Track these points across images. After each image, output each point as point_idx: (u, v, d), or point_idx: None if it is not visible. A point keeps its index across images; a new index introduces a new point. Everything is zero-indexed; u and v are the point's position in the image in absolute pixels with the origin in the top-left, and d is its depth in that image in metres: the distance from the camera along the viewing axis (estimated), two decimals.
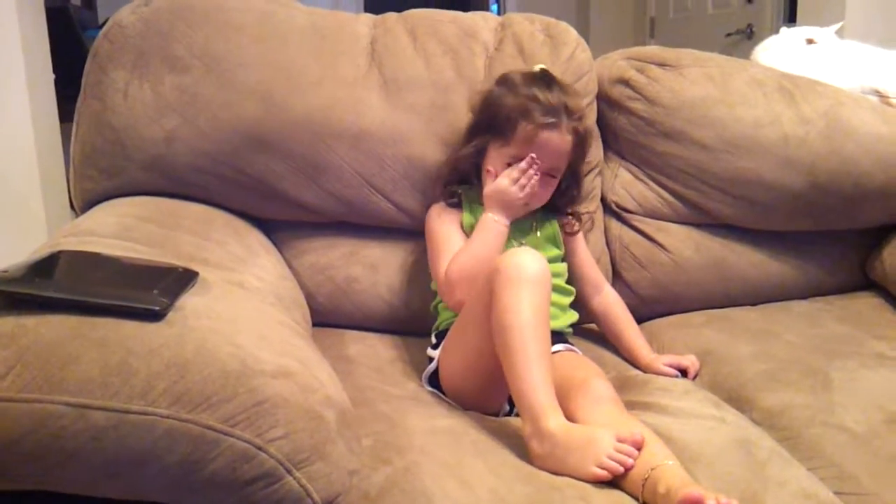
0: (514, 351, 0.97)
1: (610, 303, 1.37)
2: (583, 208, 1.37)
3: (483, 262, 1.13)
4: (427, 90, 1.35)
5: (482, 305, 1.04)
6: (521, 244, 1.25)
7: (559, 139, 1.21)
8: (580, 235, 1.36)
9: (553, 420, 0.92)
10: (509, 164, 1.20)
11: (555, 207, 1.31)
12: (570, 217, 1.33)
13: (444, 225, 1.26)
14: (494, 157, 1.23)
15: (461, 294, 1.15)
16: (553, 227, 1.32)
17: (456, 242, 1.23)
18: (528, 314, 0.99)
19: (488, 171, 1.23)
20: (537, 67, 1.28)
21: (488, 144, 1.24)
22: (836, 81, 1.65)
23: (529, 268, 1.02)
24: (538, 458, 0.92)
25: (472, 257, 1.18)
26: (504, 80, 1.26)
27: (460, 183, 1.30)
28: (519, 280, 1.00)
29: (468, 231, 1.25)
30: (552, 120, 1.19)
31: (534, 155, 1.18)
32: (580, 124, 1.24)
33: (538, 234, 1.30)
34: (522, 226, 1.27)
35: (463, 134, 1.31)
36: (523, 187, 1.18)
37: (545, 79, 1.25)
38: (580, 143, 1.26)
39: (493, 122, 1.23)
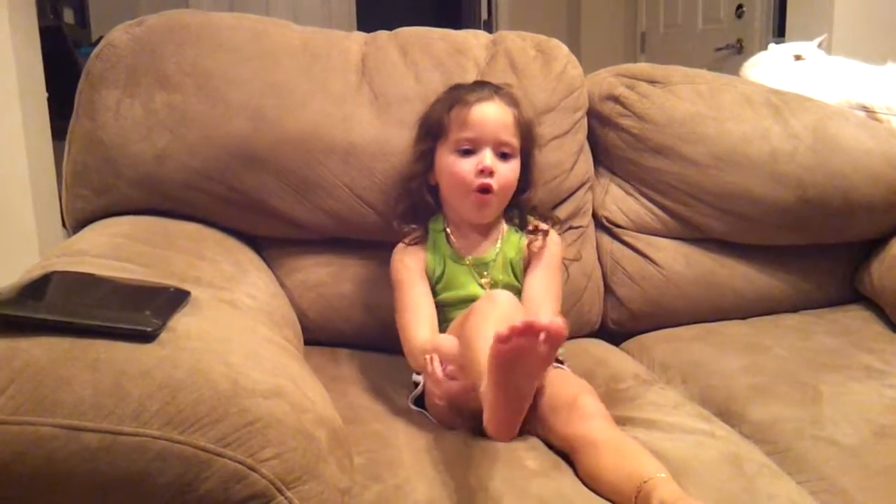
0: (473, 338, 0.95)
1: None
2: (575, 222, 1.36)
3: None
4: (417, 105, 1.36)
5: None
6: (483, 277, 1.22)
7: (496, 109, 1.19)
8: (542, 266, 1.23)
9: None
10: (457, 153, 1.18)
11: (518, 216, 1.26)
12: (534, 233, 1.25)
13: (406, 274, 1.22)
14: (442, 156, 1.21)
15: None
16: (516, 247, 1.24)
17: (420, 298, 1.20)
18: (490, 319, 0.97)
19: (441, 176, 1.21)
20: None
21: (433, 151, 1.22)
22: (823, 97, 1.67)
23: (501, 302, 1.02)
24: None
25: (434, 348, 1.09)
26: (434, 99, 1.28)
27: (418, 212, 1.26)
28: (488, 312, 0.99)
29: (432, 273, 1.22)
30: (482, 94, 1.19)
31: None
32: (517, 104, 1.22)
33: (500, 262, 1.23)
34: (484, 257, 1.23)
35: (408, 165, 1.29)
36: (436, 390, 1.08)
37: (475, 82, 1.28)
38: (523, 121, 1.22)
39: (428, 127, 1.24)
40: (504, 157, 1.19)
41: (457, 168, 1.18)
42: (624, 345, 1.49)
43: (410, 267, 1.23)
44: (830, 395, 1.18)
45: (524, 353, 0.79)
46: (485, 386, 0.85)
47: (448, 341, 1.07)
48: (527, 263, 1.24)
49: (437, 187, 1.25)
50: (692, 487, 0.91)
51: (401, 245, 1.25)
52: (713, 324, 1.52)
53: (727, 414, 1.17)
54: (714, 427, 1.08)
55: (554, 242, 1.26)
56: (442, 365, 1.05)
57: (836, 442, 1.06)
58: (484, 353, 0.85)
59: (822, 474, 1.01)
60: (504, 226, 1.26)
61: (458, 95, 1.21)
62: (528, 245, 1.24)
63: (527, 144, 1.24)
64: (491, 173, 1.17)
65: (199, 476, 0.69)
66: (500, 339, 0.79)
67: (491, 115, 1.18)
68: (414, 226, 1.25)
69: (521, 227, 1.26)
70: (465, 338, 0.98)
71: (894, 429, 1.08)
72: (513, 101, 1.22)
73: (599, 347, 1.44)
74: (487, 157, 1.17)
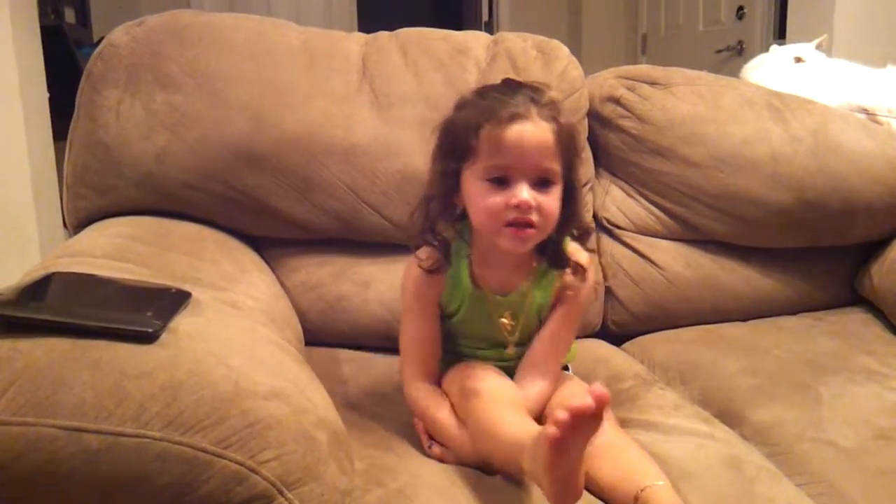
0: (489, 430, 0.93)
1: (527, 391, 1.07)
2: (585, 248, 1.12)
3: (432, 431, 1.04)
4: (418, 105, 1.36)
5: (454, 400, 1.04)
6: (503, 316, 1.08)
7: (533, 129, 0.96)
8: (569, 313, 1.09)
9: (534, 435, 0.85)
10: (487, 181, 0.97)
11: (552, 248, 1.06)
12: (572, 272, 1.06)
13: (416, 304, 1.08)
14: (469, 182, 1.00)
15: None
16: (549, 287, 1.08)
17: (424, 335, 1.09)
18: (498, 405, 0.95)
19: (468, 203, 1.02)
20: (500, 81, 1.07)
21: (460, 171, 1.01)
22: (824, 99, 1.67)
23: (496, 389, 0.99)
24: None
25: (429, 425, 1.04)
26: (458, 101, 1.06)
27: (437, 230, 1.06)
28: (484, 399, 0.97)
29: (446, 306, 1.08)
30: (518, 110, 0.96)
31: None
32: (557, 114, 1.00)
33: (527, 305, 1.08)
34: (510, 296, 1.07)
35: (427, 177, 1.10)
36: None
37: (504, 82, 1.05)
38: (564, 136, 1.00)
39: (454, 143, 1.01)
40: (544, 184, 0.98)
41: (488, 201, 0.97)
42: (624, 346, 1.49)
43: (424, 295, 1.08)
44: (830, 398, 1.18)
45: (580, 428, 0.76)
46: (537, 469, 0.80)
47: (440, 413, 1.03)
48: (552, 305, 1.09)
49: (463, 210, 1.05)
50: (691, 491, 0.91)
51: (417, 270, 1.06)
52: (713, 325, 1.52)
53: (727, 416, 1.17)
54: (714, 429, 1.08)
55: (590, 284, 1.10)
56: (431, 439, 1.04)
57: (835, 444, 1.06)
58: (514, 439, 0.86)
59: (822, 477, 1.01)
60: (535, 261, 1.07)
61: (488, 109, 0.98)
62: (564, 288, 1.08)
63: (569, 161, 1.02)
64: (529, 207, 0.96)
65: (200, 477, 0.69)
66: (561, 426, 0.75)
67: (528, 138, 0.96)
68: (434, 248, 1.06)
69: (556, 264, 1.06)
70: (481, 431, 0.94)
71: (894, 431, 1.08)
72: (553, 112, 1.00)
73: (601, 347, 1.44)
74: (523, 190, 0.96)
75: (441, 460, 0.99)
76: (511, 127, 0.96)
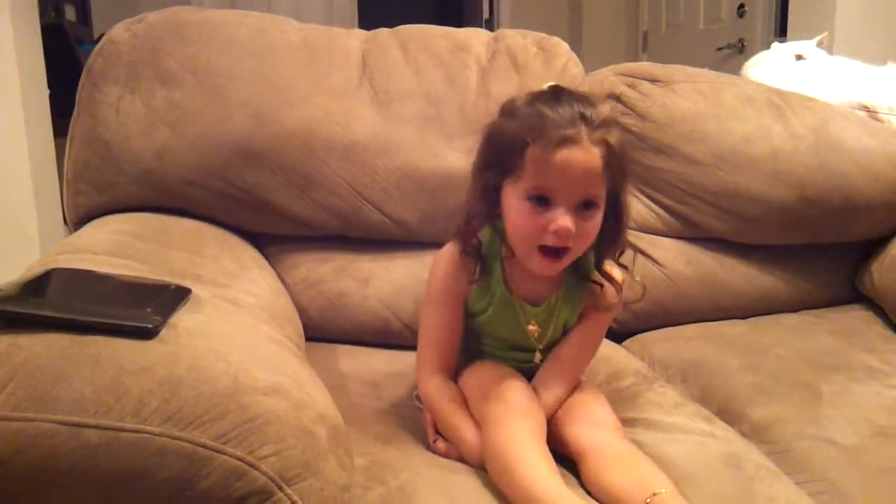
0: (511, 471, 0.89)
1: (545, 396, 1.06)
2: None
3: (443, 428, 1.04)
4: (418, 101, 1.36)
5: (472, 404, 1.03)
6: (530, 323, 1.07)
7: (582, 156, 0.92)
8: (595, 328, 1.10)
9: None
10: (528, 199, 0.95)
11: (584, 263, 1.05)
12: (603, 287, 1.05)
13: (445, 298, 1.07)
14: (509, 197, 0.98)
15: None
16: (577, 302, 1.07)
17: (447, 331, 1.08)
18: (518, 438, 0.91)
19: (506, 215, 1.00)
20: (546, 85, 1.02)
21: (501, 184, 0.99)
22: (824, 97, 1.67)
23: (517, 403, 0.97)
24: None
25: (440, 422, 1.04)
26: (506, 107, 1.02)
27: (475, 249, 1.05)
28: (506, 416, 0.95)
29: (473, 305, 1.08)
30: (567, 133, 0.92)
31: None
32: (608, 134, 0.94)
33: (555, 317, 1.07)
34: (539, 304, 1.06)
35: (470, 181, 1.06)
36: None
37: (553, 92, 0.98)
38: (614, 159, 0.95)
39: (498, 156, 0.99)
40: (587, 207, 0.95)
41: (526, 221, 0.96)
42: (625, 343, 1.49)
43: (451, 287, 1.07)
44: (830, 396, 1.18)
45: None
46: None
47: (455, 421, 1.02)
48: (580, 317, 1.09)
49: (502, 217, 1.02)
50: (691, 490, 0.91)
51: (449, 257, 1.06)
52: (714, 323, 1.52)
53: (727, 413, 1.17)
54: (714, 427, 1.08)
55: (620, 301, 1.08)
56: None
57: (835, 442, 1.06)
58: (529, 492, 0.85)
59: (822, 475, 1.01)
60: (566, 275, 1.05)
61: (537, 128, 0.93)
62: (593, 300, 1.07)
63: (617, 182, 0.99)
64: (569, 235, 0.94)
65: (199, 473, 0.69)
66: None
67: (576, 165, 0.92)
68: (474, 254, 1.05)
69: (588, 276, 1.06)
70: (499, 459, 0.91)
71: (894, 429, 1.08)
72: (604, 133, 0.94)
73: (601, 345, 1.43)
74: (565, 218, 0.93)
75: (445, 456, 1.00)
76: (559, 151, 0.92)
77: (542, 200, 0.95)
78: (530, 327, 1.07)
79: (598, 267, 1.04)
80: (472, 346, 1.12)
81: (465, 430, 1.00)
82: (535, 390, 1.04)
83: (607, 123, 0.95)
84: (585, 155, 0.93)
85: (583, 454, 0.96)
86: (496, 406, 0.96)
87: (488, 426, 0.95)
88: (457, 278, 1.06)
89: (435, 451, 1.01)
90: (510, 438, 0.91)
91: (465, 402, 1.04)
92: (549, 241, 0.95)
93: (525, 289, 1.06)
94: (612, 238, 1.02)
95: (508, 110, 1.01)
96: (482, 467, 0.95)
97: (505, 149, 0.97)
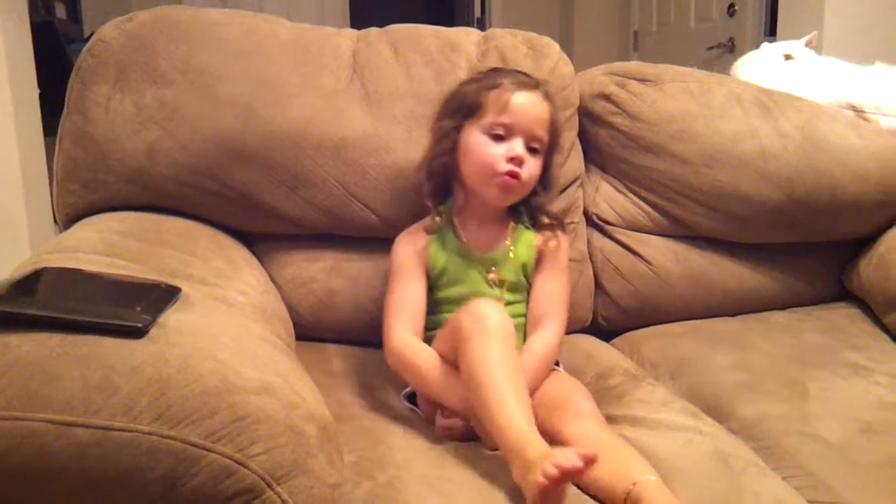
0: (488, 398, 0.94)
1: (531, 343, 1.16)
2: (566, 219, 1.35)
3: (417, 382, 1.11)
4: (408, 100, 1.37)
5: (447, 349, 1.05)
6: (490, 273, 1.19)
7: (537, 102, 1.17)
8: (555, 268, 1.22)
9: (532, 451, 0.88)
10: (487, 135, 1.15)
11: (531, 215, 1.23)
12: (550, 229, 1.22)
13: (404, 265, 1.20)
14: (470, 135, 1.17)
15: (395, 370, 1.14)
16: (529, 245, 1.21)
17: (410, 294, 1.17)
18: (496, 361, 0.96)
19: (464, 154, 1.17)
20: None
21: (460, 127, 1.18)
22: (812, 96, 1.67)
23: (491, 319, 1.00)
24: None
25: (413, 374, 1.10)
26: (466, 79, 1.27)
27: (437, 195, 1.23)
28: (482, 333, 0.98)
29: (433, 266, 1.19)
30: (526, 81, 1.17)
31: None
32: (551, 100, 1.20)
33: (511, 260, 1.20)
34: (494, 254, 1.20)
35: (430, 139, 1.26)
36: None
37: (504, 68, 1.27)
38: (556, 122, 1.20)
39: (460, 104, 1.19)
40: (532, 151, 1.16)
41: (487, 150, 1.15)
42: (614, 341, 1.50)
43: (410, 258, 1.20)
44: (817, 392, 1.19)
45: (566, 479, 0.83)
46: (524, 489, 0.86)
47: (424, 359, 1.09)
48: (537, 263, 1.22)
49: (453, 169, 1.21)
50: (678, 485, 0.92)
51: (405, 234, 1.24)
52: (702, 321, 1.53)
53: (715, 410, 1.18)
54: (701, 424, 1.09)
55: (567, 243, 1.25)
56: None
57: (822, 438, 1.07)
58: (509, 434, 0.90)
59: (809, 471, 1.02)
60: (512, 223, 1.23)
61: (499, 78, 1.18)
62: (543, 244, 1.21)
63: (552, 145, 1.22)
64: (521, 163, 1.14)
65: (189, 471, 0.69)
66: (550, 479, 0.81)
67: (531, 105, 1.16)
68: (440, 209, 1.22)
69: (534, 225, 1.23)
70: (481, 401, 0.95)
71: (880, 425, 1.09)
72: (550, 98, 1.20)
73: (590, 343, 1.45)
74: (519, 146, 1.14)
75: (448, 432, 1.03)
76: (519, 92, 1.15)
77: (499, 138, 1.15)
78: (490, 276, 1.19)
79: (536, 209, 1.22)
80: (438, 322, 1.16)
81: (445, 377, 1.05)
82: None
83: (552, 96, 1.21)
84: (539, 101, 1.17)
85: (566, 445, 0.97)
86: (480, 330, 0.99)
87: (470, 349, 0.98)
88: (413, 243, 1.21)
89: (437, 430, 1.05)
90: (493, 368, 0.96)
91: (436, 355, 1.08)
92: (506, 167, 1.13)
93: (477, 240, 1.21)
94: (544, 185, 1.22)
95: (468, 80, 1.25)
96: (474, 435, 1.01)
97: (468, 97, 1.18)
